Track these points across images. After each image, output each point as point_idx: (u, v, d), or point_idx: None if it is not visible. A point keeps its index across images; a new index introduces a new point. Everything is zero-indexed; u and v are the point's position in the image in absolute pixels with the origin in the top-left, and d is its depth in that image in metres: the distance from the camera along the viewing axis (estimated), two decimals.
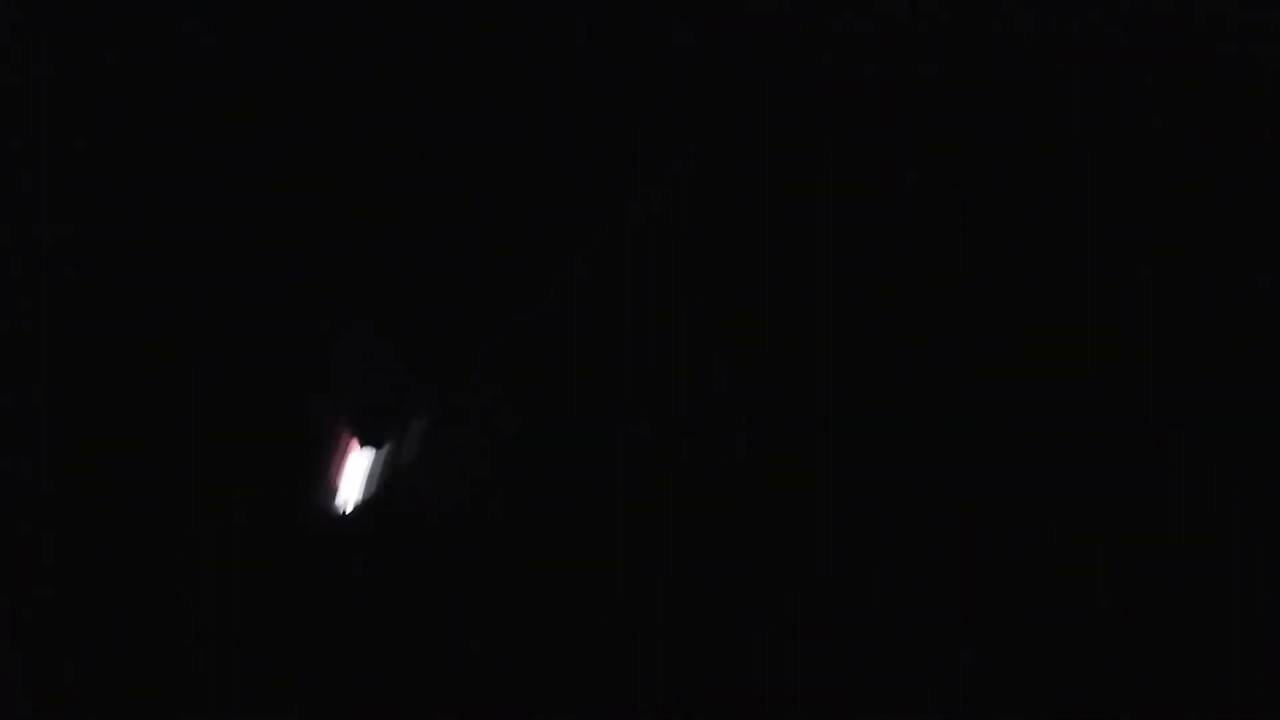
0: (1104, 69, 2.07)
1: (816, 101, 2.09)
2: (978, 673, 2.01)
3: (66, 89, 2.09)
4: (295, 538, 2.06)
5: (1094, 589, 2.02)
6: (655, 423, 2.08)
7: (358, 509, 2.07)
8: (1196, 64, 2.06)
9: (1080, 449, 2.05)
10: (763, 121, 2.10)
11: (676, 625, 2.04)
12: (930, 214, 2.09)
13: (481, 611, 2.04)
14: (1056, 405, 2.06)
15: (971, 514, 2.04)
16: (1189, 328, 2.06)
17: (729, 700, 2.02)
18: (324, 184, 2.10)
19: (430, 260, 2.10)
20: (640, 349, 2.09)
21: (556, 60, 2.10)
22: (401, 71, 2.10)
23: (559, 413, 2.09)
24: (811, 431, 2.07)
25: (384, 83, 2.10)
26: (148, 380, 2.08)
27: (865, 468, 2.06)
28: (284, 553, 2.06)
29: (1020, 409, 2.06)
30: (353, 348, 2.09)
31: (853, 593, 2.04)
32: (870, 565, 2.05)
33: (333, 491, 2.07)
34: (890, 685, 2.02)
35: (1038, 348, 2.07)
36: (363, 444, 2.08)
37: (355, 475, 2.08)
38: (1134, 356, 2.06)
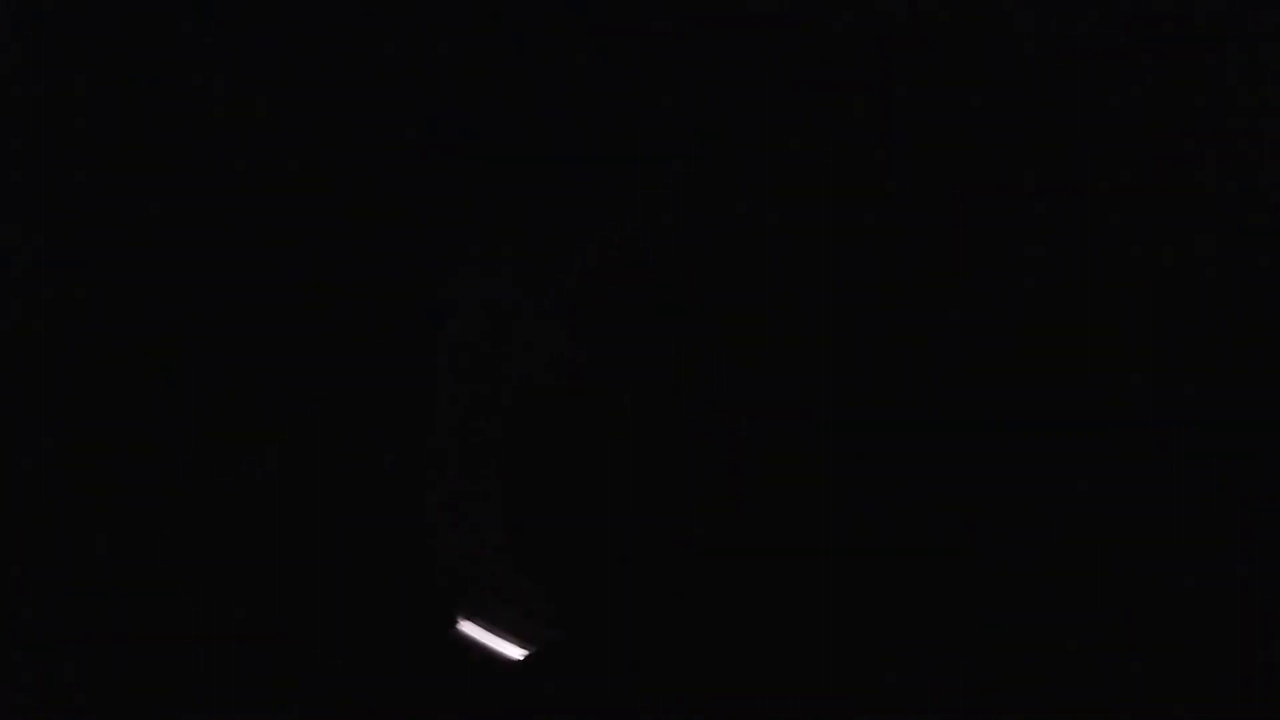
0: (1104, 69, 2.08)
1: (816, 101, 2.10)
2: (977, 672, 2.01)
3: (66, 89, 2.10)
4: (293, 537, 2.07)
5: (1094, 588, 2.02)
6: (657, 422, 2.09)
7: (358, 509, 2.07)
8: (1196, 64, 2.06)
9: (1080, 448, 2.05)
10: (763, 121, 2.11)
11: (677, 624, 2.05)
12: (930, 214, 2.09)
13: (482, 611, 2.05)
14: (1056, 405, 2.06)
15: (971, 514, 2.05)
16: (1189, 328, 2.06)
17: (729, 700, 2.02)
18: (324, 184, 2.10)
19: (430, 260, 2.10)
20: (641, 348, 2.09)
21: (556, 60, 2.10)
22: (401, 71, 2.10)
23: (559, 411, 2.09)
24: (811, 431, 2.08)
25: (384, 83, 2.10)
26: (148, 380, 2.08)
27: (865, 468, 2.06)
28: (282, 552, 2.06)
29: (1020, 409, 2.06)
30: (353, 348, 2.09)
31: (853, 592, 2.04)
32: (870, 565, 2.05)
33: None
34: (890, 685, 2.02)
35: (1038, 348, 2.07)
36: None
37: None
38: (1134, 356, 2.06)
